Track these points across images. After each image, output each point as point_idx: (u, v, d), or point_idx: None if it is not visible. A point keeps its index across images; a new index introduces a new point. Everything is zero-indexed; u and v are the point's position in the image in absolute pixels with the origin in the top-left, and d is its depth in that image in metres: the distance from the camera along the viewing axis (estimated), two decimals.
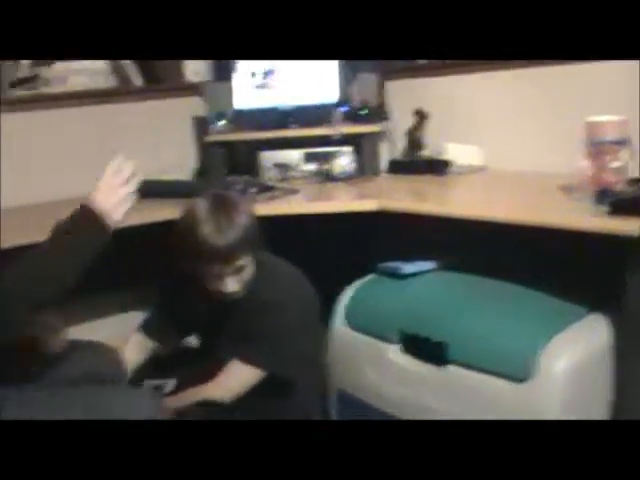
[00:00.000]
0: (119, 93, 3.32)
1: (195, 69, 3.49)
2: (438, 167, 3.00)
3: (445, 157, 3.03)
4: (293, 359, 2.28)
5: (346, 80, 3.26)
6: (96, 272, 1.77)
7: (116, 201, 1.82)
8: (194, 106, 3.44)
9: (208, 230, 2.12)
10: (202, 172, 3.36)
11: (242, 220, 2.17)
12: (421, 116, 3.15)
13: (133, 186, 1.86)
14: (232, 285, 2.21)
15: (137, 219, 2.38)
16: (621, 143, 2.24)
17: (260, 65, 3.30)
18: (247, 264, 2.21)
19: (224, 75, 3.38)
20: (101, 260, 1.78)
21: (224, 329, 2.35)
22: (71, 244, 1.78)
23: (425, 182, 2.95)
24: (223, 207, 2.18)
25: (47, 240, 1.79)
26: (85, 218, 1.80)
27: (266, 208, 2.57)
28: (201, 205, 2.18)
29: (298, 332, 2.27)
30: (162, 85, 3.44)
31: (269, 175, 3.21)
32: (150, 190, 2.69)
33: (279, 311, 2.24)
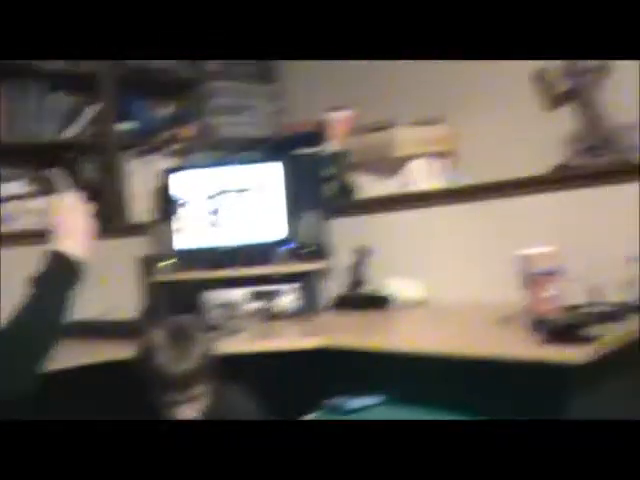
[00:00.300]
0: None
1: (140, 209, 3.54)
2: (381, 302, 3.06)
3: (387, 292, 3.10)
4: None
5: (291, 219, 3.35)
6: None
7: (80, 239, 1.83)
8: (140, 246, 3.48)
9: (164, 358, 2.15)
10: (147, 312, 3.36)
11: (199, 349, 2.20)
12: (363, 252, 3.23)
13: (88, 215, 1.87)
14: (187, 413, 2.19)
15: (82, 360, 2.40)
16: (554, 273, 2.33)
17: (205, 204, 3.38)
18: (203, 393, 2.21)
19: (170, 215, 3.42)
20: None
21: None
22: (55, 292, 1.79)
23: (369, 317, 3.01)
24: (180, 336, 2.21)
25: (31, 295, 1.77)
26: (61, 265, 1.80)
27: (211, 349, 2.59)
28: (159, 334, 2.22)
29: None
30: (108, 225, 3.46)
31: (214, 314, 3.23)
32: (93, 330, 2.71)
33: None
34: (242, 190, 3.37)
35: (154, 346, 2.19)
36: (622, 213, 2.61)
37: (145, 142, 3.57)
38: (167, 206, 3.44)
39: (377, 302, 3.08)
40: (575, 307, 2.40)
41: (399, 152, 3.11)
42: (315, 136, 3.57)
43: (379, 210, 3.29)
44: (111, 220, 3.49)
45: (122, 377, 2.30)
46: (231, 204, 3.37)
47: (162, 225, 3.45)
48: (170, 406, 2.19)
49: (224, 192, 3.37)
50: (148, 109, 3.62)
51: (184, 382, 2.16)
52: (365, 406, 2.47)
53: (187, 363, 2.16)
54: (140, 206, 3.54)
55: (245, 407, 2.33)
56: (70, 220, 1.85)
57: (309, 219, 3.31)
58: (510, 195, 2.89)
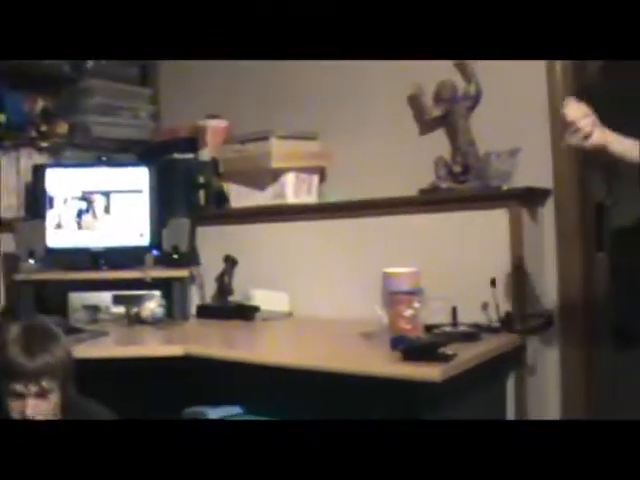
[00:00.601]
0: None
1: (7, 205, 3.44)
2: (246, 313, 3.08)
3: (253, 303, 3.12)
4: None
5: (158, 224, 3.33)
6: None
7: None
8: (3, 243, 3.37)
9: (18, 349, 2.14)
10: (9, 311, 3.27)
11: (53, 348, 2.18)
12: (231, 262, 3.24)
13: None
14: (33, 409, 2.14)
15: None
16: (414, 293, 2.40)
17: (75, 205, 3.32)
18: (53, 390, 2.17)
19: (37, 213, 3.34)
20: None
21: None
22: None
23: (233, 328, 3.01)
24: (36, 332, 2.21)
25: None
26: None
27: (73, 351, 2.54)
28: (15, 328, 2.21)
29: None
30: None
31: (78, 316, 3.17)
32: None
33: None
34: (111, 192, 3.33)
35: (8, 340, 2.17)
36: (486, 237, 2.72)
37: (15, 136, 3.47)
38: (35, 204, 3.37)
39: (243, 313, 3.09)
40: (434, 326, 2.49)
41: (273, 164, 3.13)
42: (190, 142, 3.56)
43: (249, 221, 3.31)
44: None
45: None
46: (100, 206, 3.32)
47: (29, 223, 3.35)
48: (18, 399, 2.15)
49: (94, 193, 3.32)
50: (20, 102, 3.52)
51: (34, 375, 2.13)
52: (225, 416, 2.48)
53: (40, 357, 2.13)
54: (7, 202, 3.44)
55: (99, 414, 2.29)
56: None
57: (177, 225, 3.29)
58: (378, 214, 2.96)
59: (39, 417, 2.15)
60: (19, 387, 2.13)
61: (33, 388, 2.14)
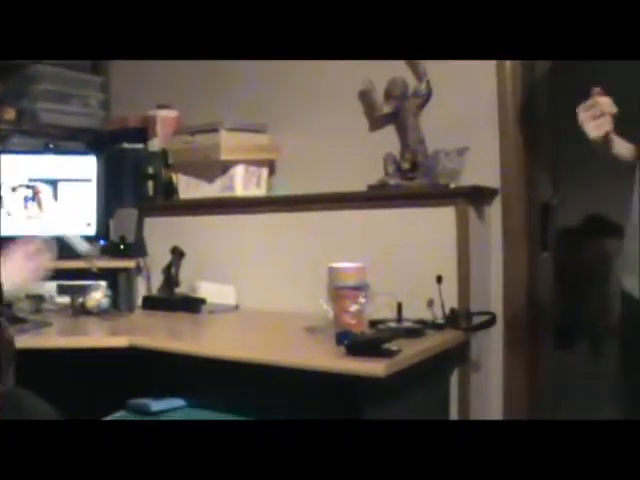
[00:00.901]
0: None
1: None
2: (192, 305, 3.07)
3: (200, 295, 3.11)
4: None
5: (105, 214, 3.30)
6: None
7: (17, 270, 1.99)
8: None
9: None
10: None
11: None
12: (178, 254, 3.22)
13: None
14: None
15: None
16: (359, 288, 2.42)
17: (20, 192, 3.27)
18: None
19: None
20: None
21: None
22: None
23: (179, 320, 3.00)
24: None
25: None
26: None
27: (17, 341, 2.50)
28: None
29: None
30: None
31: (22, 306, 3.13)
32: None
33: None
34: (59, 181, 3.30)
35: None
36: (433, 234, 2.74)
37: None
38: None
39: (190, 304, 3.08)
40: (379, 322, 2.50)
41: (222, 157, 3.12)
42: (140, 132, 3.53)
43: (198, 212, 3.29)
44: None
45: None
46: (47, 194, 3.28)
47: None
48: None
49: (40, 181, 3.28)
50: None
51: None
52: (168, 408, 2.47)
53: None
54: None
55: (38, 409, 2.23)
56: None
57: (125, 216, 3.27)
58: (326, 208, 2.97)
59: None
60: None
61: None
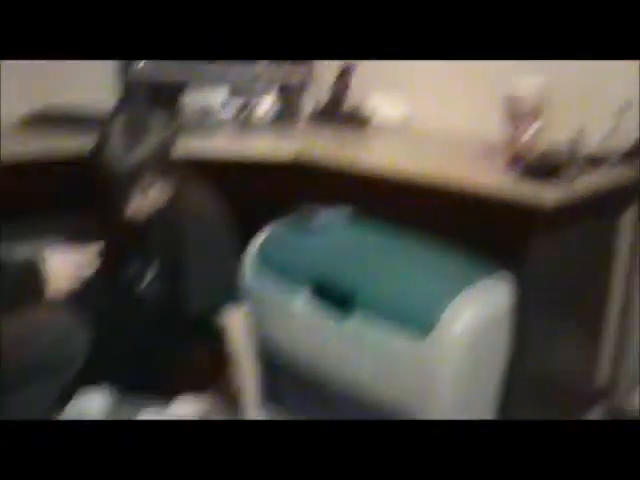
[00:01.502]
0: None
1: None
2: (360, 119, 3.02)
3: (369, 109, 3.04)
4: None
5: None
6: None
7: (69, 274, 1.93)
8: None
9: (114, 146, 2.12)
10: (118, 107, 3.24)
11: (153, 139, 2.16)
12: (347, 66, 3.13)
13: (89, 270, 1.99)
14: (140, 206, 2.21)
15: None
16: (537, 112, 2.28)
17: None
18: (154, 185, 2.20)
19: None
20: None
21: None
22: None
23: (346, 133, 2.95)
24: (135, 125, 2.18)
25: None
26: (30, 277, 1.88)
27: (186, 148, 2.53)
28: (113, 121, 2.18)
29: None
30: None
31: (190, 116, 3.15)
32: (65, 119, 2.63)
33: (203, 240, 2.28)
34: None
35: (106, 134, 2.15)
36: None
37: None
38: None
39: (359, 119, 3.02)
40: (555, 149, 2.36)
41: None
42: None
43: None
44: None
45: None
46: None
47: None
48: (121, 201, 2.18)
49: None
50: None
51: (133, 172, 2.13)
52: (335, 218, 2.47)
53: (138, 152, 2.12)
54: None
55: (207, 207, 2.32)
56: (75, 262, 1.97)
57: None
58: None
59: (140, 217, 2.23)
60: (120, 188, 2.15)
61: (134, 188, 2.16)
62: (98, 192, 2.21)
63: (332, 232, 2.45)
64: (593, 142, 2.36)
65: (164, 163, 2.20)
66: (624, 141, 2.41)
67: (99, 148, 2.15)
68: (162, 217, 2.29)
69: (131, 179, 2.14)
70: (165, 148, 2.20)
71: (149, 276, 2.38)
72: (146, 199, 2.21)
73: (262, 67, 3.11)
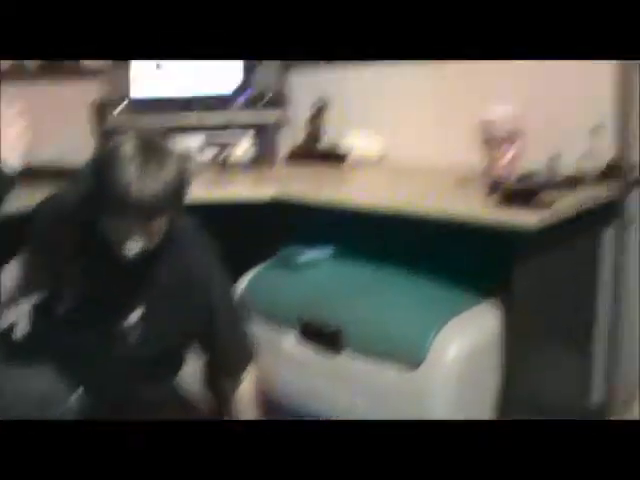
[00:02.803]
0: (12, 74, 3.19)
1: None
2: (338, 156, 3.04)
3: (344, 146, 3.06)
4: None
5: (248, 67, 3.26)
6: None
7: (9, 145, 1.79)
8: (92, 91, 3.32)
9: (132, 173, 1.76)
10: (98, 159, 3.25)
11: (172, 168, 1.82)
12: (322, 105, 3.16)
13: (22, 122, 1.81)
14: (138, 245, 1.86)
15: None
16: (513, 138, 2.31)
17: None
18: (162, 226, 1.88)
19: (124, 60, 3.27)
20: None
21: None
22: None
23: (324, 171, 2.98)
24: (152, 149, 1.83)
25: None
26: None
27: None
28: (127, 143, 1.81)
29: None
30: (59, 68, 3.31)
31: None
32: (47, 175, 2.60)
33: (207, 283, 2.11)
34: None
35: (120, 158, 1.78)
36: (592, 81, 2.54)
37: None
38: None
39: (335, 156, 3.05)
40: (532, 173, 2.39)
41: None
42: None
43: (343, 62, 3.18)
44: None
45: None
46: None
47: (116, 70, 3.28)
48: (122, 235, 1.84)
49: None
50: None
51: (149, 207, 1.79)
52: (317, 257, 2.48)
53: (158, 182, 1.78)
54: None
55: (198, 243, 2.14)
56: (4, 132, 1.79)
57: (268, 68, 3.22)
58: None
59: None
60: (128, 224, 1.81)
61: (144, 225, 1.83)
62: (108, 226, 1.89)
63: (317, 270, 2.46)
64: (569, 164, 2.41)
65: (176, 199, 1.88)
66: (599, 161, 2.45)
67: (111, 171, 1.79)
68: (162, 258, 2.01)
69: (146, 213, 1.82)
70: (182, 180, 1.88)
71: (136, 317, 2.12)
72: (152, 237, 1.89)
73: (236, 110, 3.14)
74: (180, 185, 1.85)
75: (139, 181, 1.76)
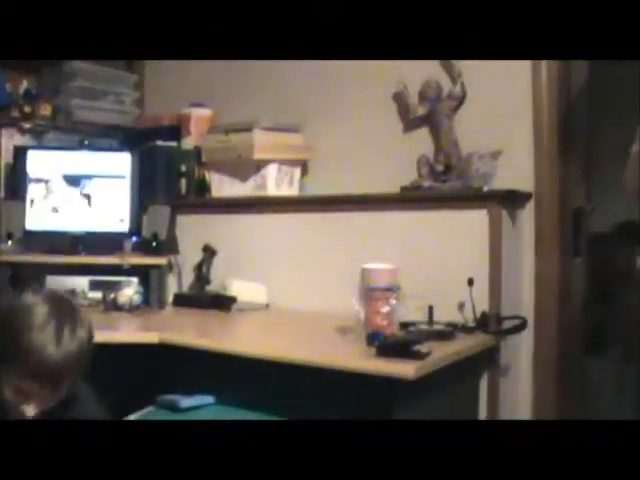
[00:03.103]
0: None
1: None
2: (223, 303, 3.08)
3: (230, 293, 3.12)
4: None
5: (138, 211, 3.32)
6: None
7: None
8: None
9: (45, 337, 1.69)
10: None
11: (82, 333, 1.77)
12: (210, 252, 3.24)
13: None
14: (33, 409, 1.74)
15: None
16: (391, 290, 2.41)
17: (56, 187, 3.30)
18: (63, 389, 1.78)
19: (17, 194, 3.30)
20: None
21: None
22: None
23: (210, 317, 3.02)
24: (66, 311, 1.77)
25: None
26: None
27: None
28: (39, 304, 1.75)
29: None
30: None
31: None
32: None
33: None
34: (93, 176, 3.32)
35: (33, 320, 1.71)
36: (465, 237, 2.73)
37: None
38: (15, 185, 3.34)
39: (221, 302, 3.09)
40: (410, 324, 2.50)
41: (255, 156, 3.13)
42: (173, 130, 3.55)
43: (230, 211, 3.30)
44: None
45: None
46: (81, 190, 3.31)
47: (8, 203, 3.30)
48: (21, 397, 1.73)
49: (75, 177, 3.31)
50: (3, 82, 3.47)
51: (58, 371, 1.72)
52: (197, 405, 2.48)
53: (70, 348, 1.72)
54: None
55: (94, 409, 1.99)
56: None
57: (157, 213, 3.29)
58: (359, 210, 2.97)
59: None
60: (33, 385, 1.71)
61: (50, 388, 1.74)
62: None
63: (197, 417, 2.44)
64: (444, 316, 2.54)
65: (82, 361, 1.80)
66: (474, 312, 2.59)
67: (20, 332, 1.69)
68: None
69: (53, 377, 1.73)
70: (89, 342, 1.81)
71: None
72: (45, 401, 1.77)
73: (125, 253, 3.17)
74: (89, 347, 1.80)
75: (55, 345, 1.70)
